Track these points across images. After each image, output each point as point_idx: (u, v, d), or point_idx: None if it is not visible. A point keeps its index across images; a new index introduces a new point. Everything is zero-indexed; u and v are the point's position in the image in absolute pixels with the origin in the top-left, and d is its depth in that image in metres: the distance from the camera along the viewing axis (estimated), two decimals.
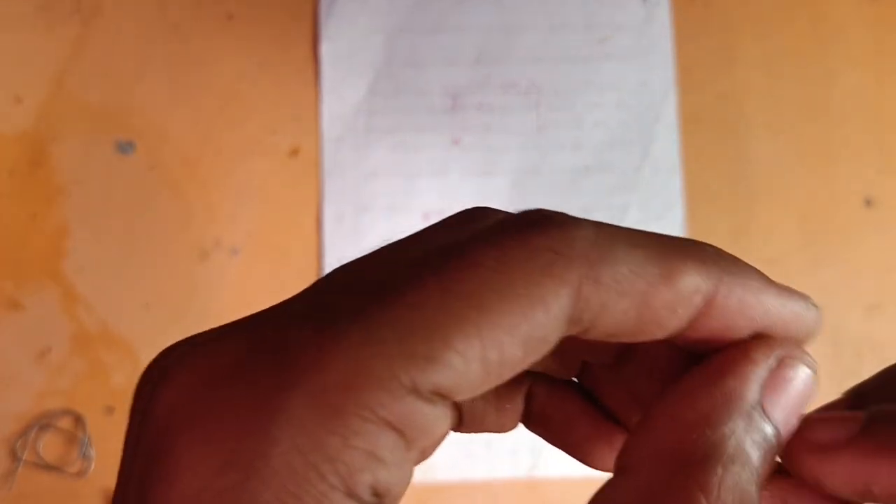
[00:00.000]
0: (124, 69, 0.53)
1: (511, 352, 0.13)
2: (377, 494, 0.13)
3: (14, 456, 0.50)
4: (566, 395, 0.19)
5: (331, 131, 0.53)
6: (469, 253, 0.14)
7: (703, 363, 0.15)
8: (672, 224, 0.53)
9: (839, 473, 0.15)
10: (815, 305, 0.16)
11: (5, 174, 0.52)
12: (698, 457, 0.14)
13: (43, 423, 0.50)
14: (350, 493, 0.12)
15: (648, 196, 0.53)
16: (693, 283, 0.15)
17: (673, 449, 0.14)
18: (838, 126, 0.55)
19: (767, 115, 0.54)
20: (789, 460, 0.16)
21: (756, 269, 0.16)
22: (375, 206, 0.52)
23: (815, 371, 0.16)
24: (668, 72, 0.54)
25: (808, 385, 0.15)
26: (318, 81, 0.53)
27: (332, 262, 0.52)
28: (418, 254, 0.15)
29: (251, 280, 0.52)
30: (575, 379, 0.19)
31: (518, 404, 0.18)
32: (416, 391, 0.13)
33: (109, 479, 0.50)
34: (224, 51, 0.54)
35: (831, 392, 0.56)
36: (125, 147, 0.53)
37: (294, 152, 0.53)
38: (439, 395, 0.13)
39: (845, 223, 0.54)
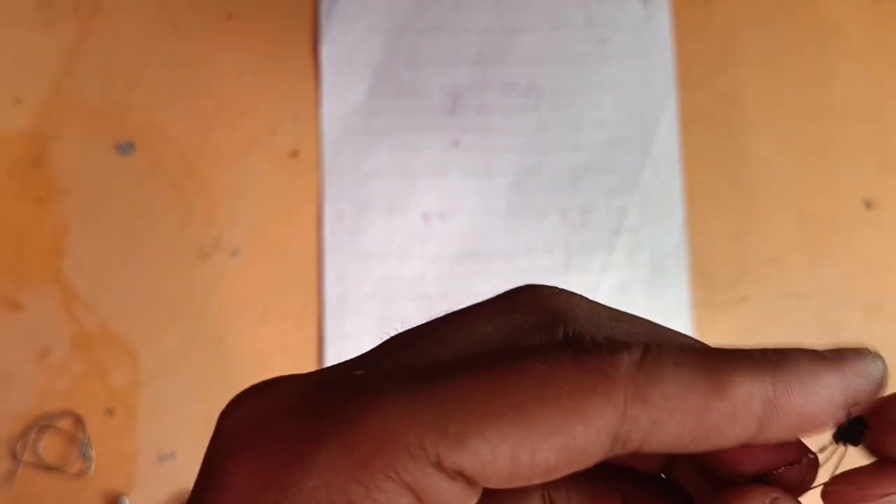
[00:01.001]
0: (124, 69, 0.53)
1: (543, 456, 0.14)
2: None
3: (14, 457, 0.50)
4: (654, 492, 0.19)
5: (331, 132, 0.53)
6: (521, 360, 0.15)
7: None
8: (672, 224, 0.53)
9: None
10: (874, 356, 0.16)
11: (5, 174, 0.52)
12: None
13: (43, 423, 0.50)
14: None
15: (648, 196, 0.53)
16: (745, 391, 0.15)
17: None
18: (838, 126, 0.55)
19: (767, 116, 0.55)
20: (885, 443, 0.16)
21: (802, 350, 0.16)
22: (375, 206, 0.52)
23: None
24: (668, 72, 0.54)
25: None
26: (318, 82, 0.54)
27: (332, 263, 0.52)
28: (472, 342, 0.16)
29: (251, 280, 0.52)
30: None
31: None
32: (439, 465, 0.14)
33: (109, 480, 0.50)
34: (224, 51, 0.54)
35: None
36: (125, 147, 0.53)
37: (294, 153, 0.53)
38: (461, 477, 0.14)
39: (845, 223, 0.54)
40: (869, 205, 0.54)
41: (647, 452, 0.15)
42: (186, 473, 0.50)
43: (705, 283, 0.53)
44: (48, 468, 0.50)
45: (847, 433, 0.16)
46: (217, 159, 0.53)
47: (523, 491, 0.18)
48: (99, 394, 0.51)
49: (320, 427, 0.14)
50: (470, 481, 0.14)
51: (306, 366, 0.51)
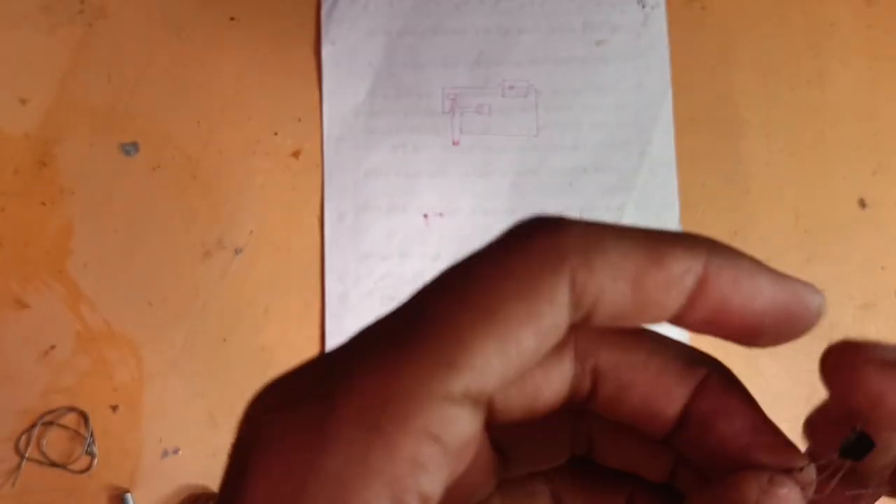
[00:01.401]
0: (128, 70, 0.54)
1: (526, 343, 0.15)
2: (424, 500, 0.14)
3: (18, 453, 0.50)
4: (658, 497, 0.19)
5: (332, 132, 0.53)
6: (473, 267, 0.16)
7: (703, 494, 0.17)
8: (669, 224, 0.53)
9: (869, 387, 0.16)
10: (816, 291, 0.17)
11: (10, 174, 0.52)
12: None
13: (47, 420, 0.50)
14: (397, 501, 0.14)
15: (646, 196, 0.53)
16: (682, 264, 0.16)
17: None
18: (833, 127, 0.55)
19: (763, 116, 0.55)
20: (856, 384, 0.16)
21: (751, 256, 0.17)
22: (376, 205, 0.53)
23: (808, 486, 0.16)
24: (665, 73, 0.54)
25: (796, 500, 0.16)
26: (320, 83, 0.54)
27: (333, 262, 0.52)
28: (437, 277, 0.16)
29: (253, 279, 0.52)
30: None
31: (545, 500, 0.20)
32: (448, 397, 0.14)
33: (113, 476, 0.50)
34: (226, 52, 0.54)
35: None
36: (129, 148, 0.53)
37: (296, 153, 0.53)
38: (468, 397, 0.15)
39: (840, 223, 0.54)
40: (863, 204, 0.54)
41: (599, 325, 0.16)
42: (190, 469, 0.51)
43: None
44: (52, 464, 0.50)
45: (851, 449, 0.16)
46: (220, 159, 0.53)
47: (531, 491, 0.19)
48: (103, 390, 0.51)
49: (330, 404, 0.14)
50: (475, 399, 0.15)
51: None
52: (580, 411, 0.18)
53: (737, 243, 0.58)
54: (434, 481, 0.14)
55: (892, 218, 0.54)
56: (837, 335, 0.57)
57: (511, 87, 0.54)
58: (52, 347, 0.51)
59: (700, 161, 0.54)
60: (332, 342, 0.51)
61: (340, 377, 0.15)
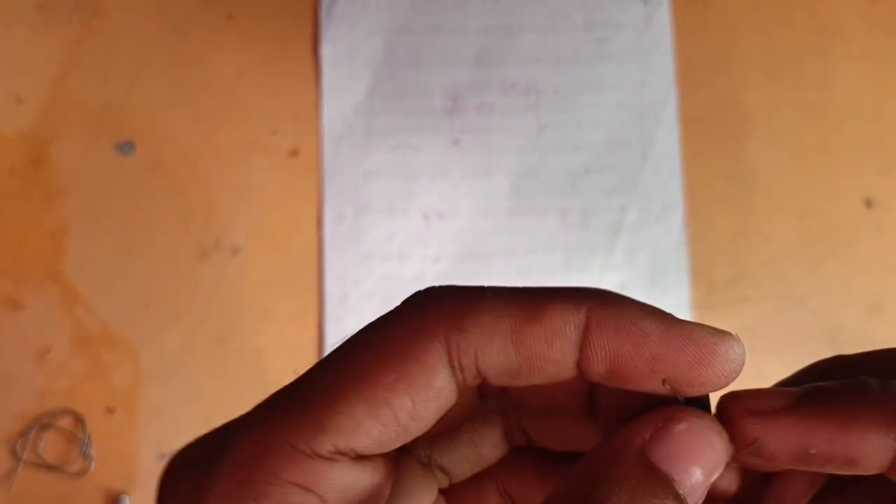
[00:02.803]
0: (124, 69, 0.54)
1: (400, 405, 0.16)
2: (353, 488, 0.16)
3: (14, 455, 0.50)
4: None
5: (331, 132, 0.53)
6: (356, 338, 0.17)
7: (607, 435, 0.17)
8: (672, 224, 0.53)
9: (779, 437, 0.17)
10: (728, 336, 0.17)
11: (6, 174, 0.52)
12: None
13: (43, 422, 0.50)
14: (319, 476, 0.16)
15: (648, 196, 0.53)
16: (560, 317, 0.16)
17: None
18: (838, 126, 0.55)
19: (767, 116, 0.55)
20: (733, 430, 0.17)
21: (639, 302, 0.17)
22: (375, 206, 0.53)
23: (705, 420, 0.17)
24: (668, 73, 0.54)
25: (701, 435, 0.16)
26: (319, 82, 0.54)
27: (332, 263, 0.52)
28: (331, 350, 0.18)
29: (251, 280, 0.52)
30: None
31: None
32: (316, 454, 0.16)
33: (109, 479, 0.50)
34: (224, 51, 0.54)
35: None
36: (125, 147, 0.53)
37: (294, 152, 0.53)
38: (340, 454, 0.16)
39: (845, 223, 0.54)
40: (869, 205, 0.54)
41: (496, 384, 0.17)
42: None
43: (705, 283, 0.53)
44: (48, 467, 0.50)
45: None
46: (217, 159, 0.53)
47: (478, 491, 0.20)
48: (99, 393, 0.51)
49: (211, 466, 0.16)
50: (355, 455, 0.16)
51: (306, 365, 0.51)
52: (503, 410, 0.20)
53: (741, 244, 0.58)
54: (386, 435, 0.16)
55: None
56: (844, 336, 0.56)
57: (512, 87, 0.54)
58: (48, 349, 0.51)
59: (704, 161, 0.54)
60: (331, 344, 0.51)
61: (225, 437, 0.17)
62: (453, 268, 0.52)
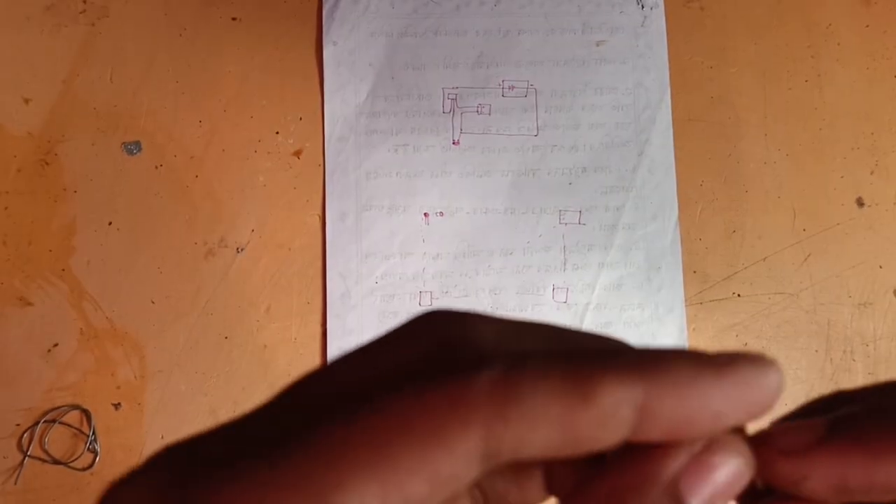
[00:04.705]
0: (130, 70, 0.54)
1: (415, 490, 0.14)
2: None
3: (21, 450, 0.50)
4: (582, 470, 0.18)
5: (333, 132, 0.53)
6: (378, 401, 0.15)
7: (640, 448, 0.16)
8: (667, 223, 0.53)
9: (817, 475, 0.16)
10: (765, 366, 0.16)
11: (14, 173, 0.52)
12: None
13: (50, 417, 0.50)
14: None
15: (644, 196, 0.53)
16: (614, 399, 0.14)
17: None
18: (831, 127, 0.55)
19: (761, 116, 0.55)
20: (767, 473, 0.16)
21: (685, 354, 0.15)
22: (377, 205, 0.53)
23: (746, 458, 0.16)
24: (664, 74, 0.54)
25: (736, 471, 0.15)
26: (322, 83, 0.54)
27: (335, 261, 0.52)
28: (349, 388, 0.15)
29: (255, 277, 0.52)
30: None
31: (538, 480, 0.19)
32: None
33: (115, 473, 0.50)
34: (228, 52, 0.54)
35: (825, 388, 0.57)
36: (131, 147, 0.53)
37: (297, 152, 0.53)
38: None
39: (838, 222, 0.54)
40: (861, 204, 0.54)
41: (527, 461, 0.15)
42: None
43: (699, 280, 0.53)
44: (55, 462, 0.50)
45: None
46: (222, 158, 0.53)
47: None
48: (106, 388, 0.51)
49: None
50: None
51: (309, 361, 0.52)
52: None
53: (735, 242, 0.58)
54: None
55: (890, 217, 0.54)
56: (835, 333, 0.57)
57: (511, 88, 0.54)
58: (55, 345, 0.51)
59: (698, 161, 0.54)
60: (334, 341, 0.52)
61: (188, 497, 0.14)
62: (453, 265, 0.53)
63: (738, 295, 0.53)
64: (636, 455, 0.15)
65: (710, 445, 0.15)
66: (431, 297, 0.52)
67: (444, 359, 0.15)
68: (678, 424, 0.15)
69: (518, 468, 0.18)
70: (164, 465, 0.15)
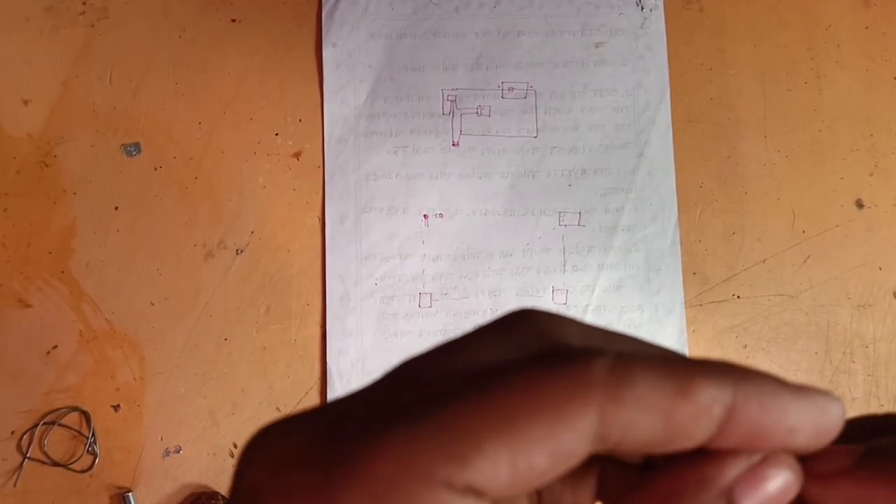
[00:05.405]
0: (130, 72, 0.54)
1: (538, 461, 0.16)
2: None
3: (21, 452, 0.50)
4: (632, 478, 0.20)
5: (333, 134, 0.53)
6: (507, 378, 0.16)
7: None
8: (666, 224, 0.53)
9: (841, 499, 0.17)
10: (835, 399, 0.17)
11: (13, 175, 0.52)
12: None
13: (49, 419, 0.50)
14: None
15: (643, 197, 0.53)
16: (709, 395, 0.16)
17: None
18: (830, 128, 0.55)
19: (760, 118, 0.55)
20: (803, 491, 0.17)
21: (770, 374, 0.17)
22: (376, 206, 0.53)
23: (796, 473, 0.17)
24: (663, 75, 0.54)
25: (786, 484, 0.17)
26: (321, 84, 0.54)
27: (334, 262, 0.52)
28: (466, 369, 0.17)
29: (255, 279, 0.52)
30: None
31: (591, 485, 0.20)
32: (450, 485, 0.15)
33: (115, 475, 0.50)
34: (228, 54, 0.54)
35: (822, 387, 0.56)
36: (131, 149, 0.53)
37: (297, 154, 0.53)
38: (471, 492, 0.15)
39: (837, 224, 0.54)
40: (861, 205, 0.54)
41: (624, 451, 0.16)
42: (191, 468, 0.51)
43: (699, 281, 0.53)
44: (54, 463, 0.50)
45: None
46: (221, 160, 0.53)
47: None
48: (105, 390, 0.51)
49: (338, 469, 0.15)
50: (478, 493, 0.15)
51: (309, 362, 0.52)
52: None
53: (734, 244, 0.58)
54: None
55: (889, 218, 0.54)
56: (835, 335, 0.57)
57: (510, 89, 0.54)
58: (55, 347, 0.51)
59: (698, 162, 0.54)
60: (333, 342, 0.52)
61: (347, 446, 0.16)
62: (452, 267, 0.53)
63: (738, 297, 0.53)
64: (693, 462, 0.17)
65: (767, 458, 0.17)
66: (431, 299, 0.52)
67: (553, 349, 0.17)
68: (755, 433, 0.16)
69: (576, 474, 0.20)
70: (314, 420, 0.17)
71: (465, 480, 0.15)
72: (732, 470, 0.17)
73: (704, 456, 0.17)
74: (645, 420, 0.16)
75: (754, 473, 0.17)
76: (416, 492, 0.15)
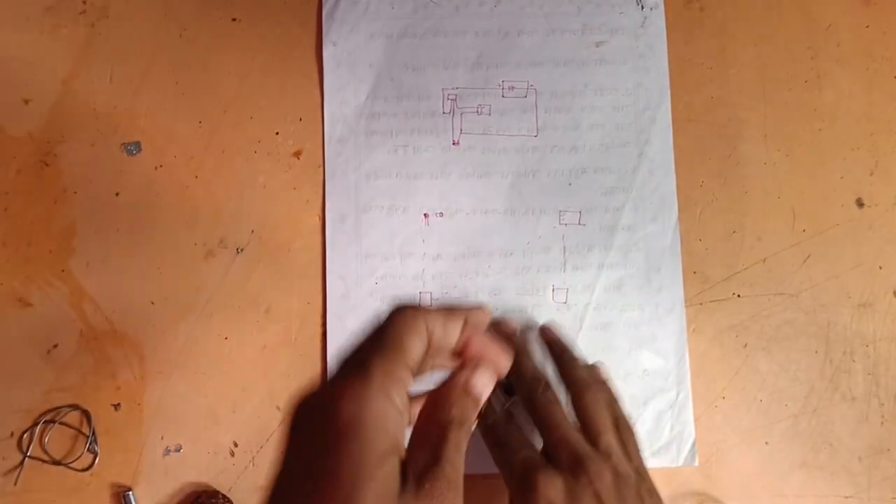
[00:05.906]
0: (130, 71, 0.54)
1: (419, 351, 0.34)
2: (403, 403, 0.31)
3: (21, 451, 0.50)
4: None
5: (333, 133, 0.53)
6: (387, 327, 0.35)
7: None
8: (667, 223, 0.53)
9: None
10: (485, 309, 0.38)
11: (14, 174, 0.53)
12: (444, 423, 0.32)
13: (49, 418, 0.50)
14: (396, 395, 0.30)
15: (644, 196, 0.53)
16: (458, 320, 0.36)
17: (430, 422, 0.33)
18: (831, 127, 0.55)
19: (761, 117, 0.55)
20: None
21: (456, 307, 0.37)
22: (377, 206, 0.53)
23: (494, 370, 0.36)
24: (664, 74, 0.54)
25: (490, 375, 0.35)
26: (321, 83, 0.54)
27: (334, 261, 0.52)
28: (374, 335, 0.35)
29: (255, 278, 0.52)
30: None
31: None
32: (402, 376, 0.32)
33: (115, 474, 0.51)
34: (228, 53, 0.54)
35: (825, 389, 0.57)
36: (131, 148, 0.53)
37: (297, 153, 0.53)
38: (409, 369, 0.32)
39: (838, 223, 0.54)
40: (861, 204, 0.54)
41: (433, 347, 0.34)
42: (192, 467, 0.51)
43: (699, 280, 0.53)
44: (55, 462, 0.50)
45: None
46: (222, 159, 0.53)
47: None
48: (105, 389, 0.51)
49: (365, 369, 0.31)
50: (411, 369, 0.32)
51: (309, 362, 0.52)
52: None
53: (735, 243, 0.58)
54: (404, 397, 0.31)
55: (890, 218, 0.54)
56: (835, 334, 0.57)
57: (511, 88, 0.54)
58: (55, 346, 0.51)
59: (698, 161, 0.54)
60: (334, 342, 0.52)
61: (368, 363, 0.31)
62: (453, 266, 0.53)
63: (738, 296, 0.53)
64: (451, 377, 0.35)
65: (475, 367, 0.35)
66: (431, 298, 0.52)
67: (400, 307, 0.35)
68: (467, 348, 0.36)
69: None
70: (349, 361, 0.33)
71: (406, 375, 0.32)
72: (465, 376, 0.35)
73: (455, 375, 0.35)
74: (436, 333, 0.34)
75: (473, 372, 0.35)
76: (397, 375, 0.31)
